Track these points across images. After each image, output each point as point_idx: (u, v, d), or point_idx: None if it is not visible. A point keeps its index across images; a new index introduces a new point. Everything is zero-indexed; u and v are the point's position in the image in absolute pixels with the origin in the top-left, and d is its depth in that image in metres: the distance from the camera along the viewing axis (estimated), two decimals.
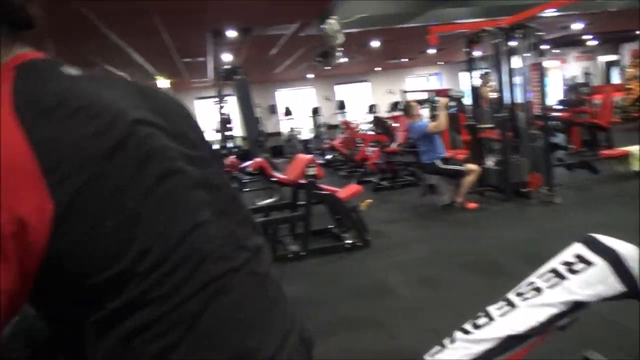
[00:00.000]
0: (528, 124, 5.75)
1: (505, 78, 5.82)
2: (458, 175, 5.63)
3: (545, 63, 5.70)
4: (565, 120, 8.35)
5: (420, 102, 8.06)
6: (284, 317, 0.73)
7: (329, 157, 11.34)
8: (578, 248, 1.13)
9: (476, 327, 1.14)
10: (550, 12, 7.27)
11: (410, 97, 9.07)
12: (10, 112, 0.54)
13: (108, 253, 0.56)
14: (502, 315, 1.12)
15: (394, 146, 8.15)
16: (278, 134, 15.46)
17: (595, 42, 16.98)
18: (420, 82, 18.21)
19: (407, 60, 15.24)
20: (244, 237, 0.72)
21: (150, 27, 6.25)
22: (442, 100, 5.92)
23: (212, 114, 11.32)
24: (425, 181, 6.23)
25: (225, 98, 9.18)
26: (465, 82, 9.66)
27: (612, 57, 18.27)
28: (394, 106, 13.74)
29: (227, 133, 9.83)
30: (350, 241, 4.63)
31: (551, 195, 5.46)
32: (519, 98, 5.90)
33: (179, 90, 14.86)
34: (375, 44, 10.62)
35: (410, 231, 5.10)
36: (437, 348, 1.18)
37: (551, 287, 1.09)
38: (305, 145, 13.84)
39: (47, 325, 0.64)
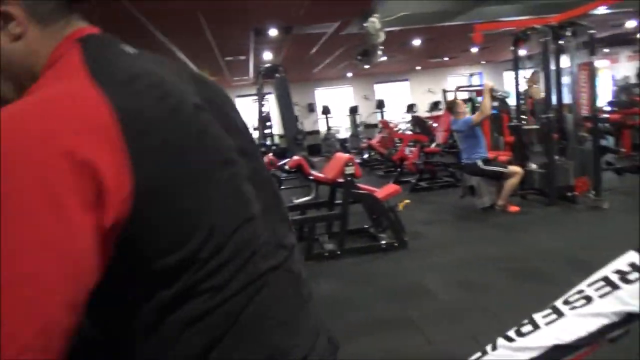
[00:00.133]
0: (576, 125, 5.54)
1: (553, 78, 5.63)
2: (500, 177, 5.48)
3: (596, 62, 5.46)
4: (615, 122, 7.99)
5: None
6: (315, 318, 0.72)
7: (365, 156, 11.30)
8: (633, 256, 1.07)
9: (520, 334, 1.10)
10: (602, 10, 6.97)
11: (457, 95, 8.86)
12: (88, 80, 0.54)
13: (179, 235, 0.55)
14: (548, 323, 1.08)
15: (433, 146, 8.04)
16: (316, 132, 15.49)
17: None
18: (461, 82, 17.85)
19: (448, 59, 14.97)
20: (283, 235, 0.71)
21: (194, 26, 6.38)
22: (487, 84, 5.74)
23: (251, 112, 11.46)
24: (464, 182, 6.10)
25: (266, 96, 9.28)
26: (510, 82, 9.41)
27: None
28: (434, 106, 13.53)
29: (266, 131, 9.95)
30: (387, 241, 4.60)
31: (599, 200, 5.25)
32: (566, 98, 5.69)
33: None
34: (416, 42, 10.47)
35: (449, 233, 5.01)
36: (477, 354, 1.15)
37: (602, 296, 1.04)
38: (343, 144, 13.83)
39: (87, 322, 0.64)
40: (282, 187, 8.01)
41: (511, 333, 1.12)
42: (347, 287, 3.75)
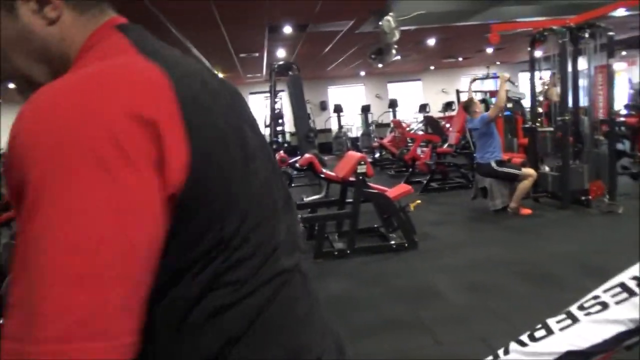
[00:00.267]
0: (592, 128, 5.47)
1: (569, 80, 5.56)
2: (514, 179, 5.43)
3: (614, 65, 5.38)
4: (632, 125, 7.87)
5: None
6: (323, 318, 0.72)
7: (377, 155, 11.27)
8: None
9: (533, 339, 1.09)
10: (621, 12, 6.87)
11: (472, 87, 8.78)
12: (141, 56, 0.56)
13: (217, 219, 0.55)
14: (562, 329, 1.06)
15: (445, 147, 7.99)
16: (327, 130, 15.48)
17: None
18: (475, 83, 17.66)
19: (462, 59, 14.85)
20: (298, 235, 0.72)
21: (209, 22, 6.39)
22: (504, 75, 5.67)
23: (264, 109, 11.49)
24: (477, 184, 6.05)
25: (279, 94, 9.29)
26: (525, 84, 9.31)
27: None
28: (447, 106, 13.44)
29: (277, 128, 9.96)
30: (397, 241, 4.58)
31: (613, 204, 5.18)
32: (582, 101, 5.62)
33: (233, 84, 15.16)
34: (430, 42, 10.40)
35: (460, 235, 4.98)
36: (489, 358, 1.14)
37: (619, 302, 1.03)
38: (354, 143, 13.81)
39: None
40: (293, 185, 8.02)
41: (524, 337, 1.11)
42: (357, 286, 3.74)
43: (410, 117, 14.02)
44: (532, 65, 6.04)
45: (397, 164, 9.79)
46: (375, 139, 12.23)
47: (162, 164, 0.49)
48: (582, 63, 5.65)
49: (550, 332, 1.07)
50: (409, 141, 9.37)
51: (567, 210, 5.39)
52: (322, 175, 5.31)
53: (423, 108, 13.84)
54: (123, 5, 0.73)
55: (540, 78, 6.20)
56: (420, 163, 7.92)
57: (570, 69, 5.58)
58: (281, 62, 8.78)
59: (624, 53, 15.69)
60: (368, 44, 8.08)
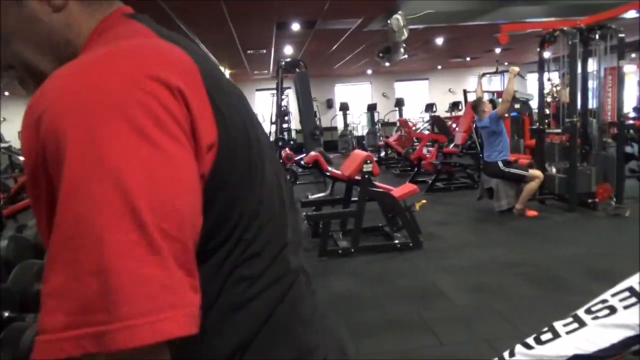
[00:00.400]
0: (600, 131, 5.43)
1: (579, 81, 5.52)
2: (520, 180, 5.41)
3: (624, 67, 5.34)
4: None
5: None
6: (324, 318, 0.71)
7: (382, 154, 11.25)
8: None
9: (539, 342, 1.08)
10: (632, 14, 6.81)
11: (481, 84, 8.74)
12: (159, 37, 0.55)
13: (237, 205, 0.54)
14: (569, 332, 1.05)
15: (451, 147, 7.96)
16: (333, 128, 15.46)
17: None
18: (483, 81, 17.57)
19: (469, 59, 14.78)
20: (301, 235, 0.72)
21: (218, 17, 6.39)
22: (513, 69, 5.61)
23: (271, 106, 11.49)
24: (482, 184, 6.03)
25: (285, 91, 9.28)
26: (533, 84, 9.26)
27: None
28: (454, 106, 13.38)
29: (283, 125, 9.96)
30: (401, 241, 4.57)
31: (620, 208, 5.15)
32: (592, 103, 5.58)
33: (240, 81, 15.19)
34: (439, 41, 10.36)
35: (465, 235, 4.96)
36: None
37: (627, 307, 1.02)
38: (360, 142, 13.79)
39: None
40: (298, 182, 8.02)
41: (530, 340, 1.10)
42: (361, 285, 3.73)
43: (416, 116, 13.97)
44: (541, 66, 6.00)
45: (403, 163, 9.76)
46: (381, 138, 12.21)
47: (196, 138, 0.48)
48: (593, 65, 5.61)
49: (556, 335, 1.06)
50: (415, 140, 9.35)
51: (574, 213, 5.36)
52: (328, 174, 5.31)
53: (429, 107, 13.80)
54: (137, 2, 0.72)
55: (549, 79, 6.15)
56: (426, 163, 7.89)
57: (579, 70, 5.54)
58: (288, 59, 8.79)
59: (633, 55, 15.57)
60: (376, 42, 8.07)
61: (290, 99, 11.19)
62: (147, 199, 0.43)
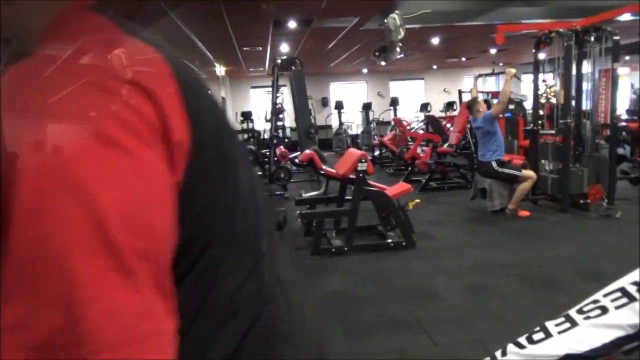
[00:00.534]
0: (594, 132, 5.46)
1: (573, 83, 5.55)
2: (514, 180, 5.43)
3: (618, 70, 5.37)
4: (633, 131, 7.87)
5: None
6: (304, 326, 0.69)
7: (377, 153, 11.27)
8: None
9: (531, 341, 1.09)
10: (627, 17, 6.85)
11: (476, 84, 8.77)
12: (127, 34, 0.49)
13: (209, 216, 0.50)
14: (561, 332, 1.06)
15: (445, 146, 7.98)
16: (328, 127, 15.46)
17: None
18: (478, 81, 17.63)
19: (465, 59, 14.83)
20: (276, 247, 0.68)
21: (214, 14, 6.37)
22: (510, 70, 5.63)
23: (266, 103, 11.47)
24: (476, 184, 6.05)
25: (280, 89, 9.27)
26: (527, 85, 9.29)
27: None
28: (449, 106, 13.41)
29: (278, 123, 9.94)
30: (395, 240, 4.58)
31: (611, 209, 5.19)
32: (585, 104, 5.61)
33: (235, 78, 15.14)
34: (435, 41, 10.38)
35: (458, 235, 4.98)
36: (486, 359, 1.14)
37: (619, 307, 1.02)
38: (354, 140, 13.80)
39: None
40: (292, 181, 8.01)
41: (522, 340, 1.10)
42: (354, 284, 3.74)
43: (411, 116, 14.00)
44: (536, 67, 6.02)
45: (397, 162, 9.78)
46: (376, 137, 12.22)
47: (168, 142, 0.44)
48: (587, 67, 5.64)
49: (548, 335, 1.06)
50: (410, 140, 9.36)
51: (566, 214, 5.40)
52: (322, 172, 5.30)
53: (424, 107, 13.83)
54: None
55: (544, 80, 6.17)
56: (420, 162, 7.91)
57: (574, 72, 5.57)
58: (284, 57, 8.77)
59: (627, 58, 15.68)
60: (372, 41, 8.05)
61: (286, 97, 11.17)
62: (118, 215, 0.38)
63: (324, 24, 7.43)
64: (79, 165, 0.38)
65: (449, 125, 9.71)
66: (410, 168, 8.21)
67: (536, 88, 6.06)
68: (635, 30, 10.63)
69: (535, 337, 1.08)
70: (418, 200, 4.84)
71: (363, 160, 4.59)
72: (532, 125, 6.14)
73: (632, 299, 1.02)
